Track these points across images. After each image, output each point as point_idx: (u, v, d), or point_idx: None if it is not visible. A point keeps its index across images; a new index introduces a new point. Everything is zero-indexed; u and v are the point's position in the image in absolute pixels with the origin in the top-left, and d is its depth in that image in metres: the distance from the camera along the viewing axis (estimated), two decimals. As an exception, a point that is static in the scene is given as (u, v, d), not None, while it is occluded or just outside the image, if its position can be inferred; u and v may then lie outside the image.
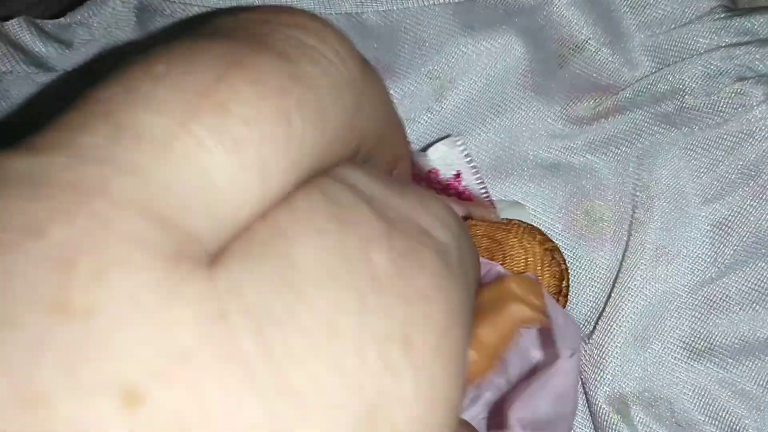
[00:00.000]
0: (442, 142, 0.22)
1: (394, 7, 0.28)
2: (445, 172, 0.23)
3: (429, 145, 0.25)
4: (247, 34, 0.12)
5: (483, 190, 0.23)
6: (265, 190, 0.11)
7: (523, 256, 0.26)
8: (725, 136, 0.26)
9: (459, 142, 0.23)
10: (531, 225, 0.27)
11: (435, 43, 0.30)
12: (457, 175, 0.23)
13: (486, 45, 0.29)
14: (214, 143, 0.10)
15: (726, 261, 0.25)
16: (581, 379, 0.27)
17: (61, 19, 0.28)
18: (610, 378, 0.26)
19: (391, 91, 0.30)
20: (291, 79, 0.12)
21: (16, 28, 0.27)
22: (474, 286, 0.14)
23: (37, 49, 0.27)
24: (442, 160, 0.22)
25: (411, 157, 0.22)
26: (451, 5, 0.29)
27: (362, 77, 0.13)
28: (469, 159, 0.22)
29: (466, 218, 0.27)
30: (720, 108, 0.26)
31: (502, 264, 0.26)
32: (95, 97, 0.11)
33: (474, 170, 0.22)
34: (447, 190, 0.25)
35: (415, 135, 0.30)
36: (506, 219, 0.27)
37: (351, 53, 0.13)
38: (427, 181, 0.25)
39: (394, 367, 0.10)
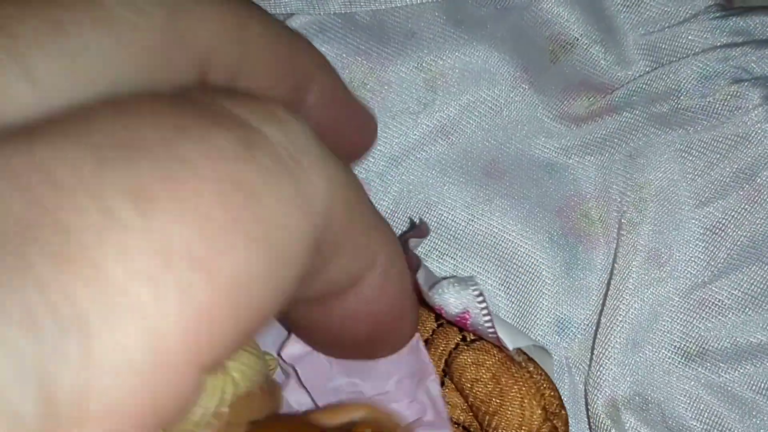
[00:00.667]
0: (453, 281, 0.20)
1: (383, 7, 0.28)
2: (452, 310, 0.20)
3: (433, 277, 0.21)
4: None
5: (492, 334, 0.20)
6: None
7: (518, 420, 0.21)
8: (720, 139, 0.26)
9: (472, 284, 0.20)
10: (546, 379, 0.22)
11: (425, 37, 0.29)
12: (465, 314, 0.21)
13: (476, 41, 0.29)
14: None
15: (719, 265, 0.25)
16: (585, 389, 0.27)
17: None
18: (606, 383, 0.26)
19: (383, 80, 0.29)
20: None
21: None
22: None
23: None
24: (451, 297, 0.20)
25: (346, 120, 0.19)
26: (442, 2, 0.29)
27: None
28: (481, 299, 0.20)
29: (474, 340, 0.23)
30: (715, 110, 0.26)
31: (493, 414, 0.21)
32: None
33: (485, 312, 0.20)
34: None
35: (409, 127, 0.29)
36: (524, 356, 0.22)
37: None
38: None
39: None
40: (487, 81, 0.29)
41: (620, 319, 0.26)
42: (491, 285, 0.28)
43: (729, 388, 0.25)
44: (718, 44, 0.27)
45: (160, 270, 0.10)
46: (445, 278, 0.20)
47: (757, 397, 0.25)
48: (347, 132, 0.18)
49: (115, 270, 0.09)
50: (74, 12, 0.11)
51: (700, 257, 0.26)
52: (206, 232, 0.10)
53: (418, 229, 0.23)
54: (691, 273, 0.26)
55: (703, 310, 0.25)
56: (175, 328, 0.10)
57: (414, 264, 0.20)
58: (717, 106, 0.26)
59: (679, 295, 0.26)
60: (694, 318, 0.25)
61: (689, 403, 0.25)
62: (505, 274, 0.28)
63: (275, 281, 0.11)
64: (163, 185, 0.10)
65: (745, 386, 0.25)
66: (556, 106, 0.29)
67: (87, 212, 0.09)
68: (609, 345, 0.26)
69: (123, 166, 0.10)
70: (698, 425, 0.25)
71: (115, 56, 0.12)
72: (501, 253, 0.29)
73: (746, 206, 0.25)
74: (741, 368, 0.25)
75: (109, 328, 0.09)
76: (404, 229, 0.29)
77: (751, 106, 0.25)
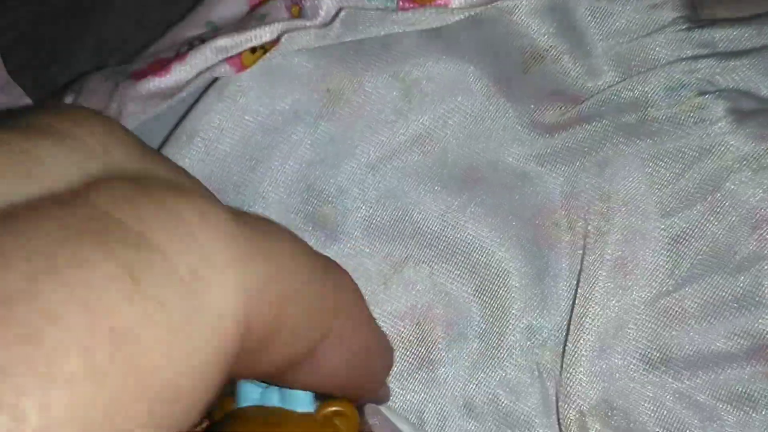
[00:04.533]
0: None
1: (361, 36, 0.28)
2: None
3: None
4: None
5: None
6: None
7: None
8: (685, 150, 0.26)
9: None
10: None
11: (400, 49, 0.30)
12: None
13: (450, 52, 0.29)
14: None
15: (683, 274, 0.26)
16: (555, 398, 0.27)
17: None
18: (575, 391, 0.27)
19: (359, 90, 0.30)
20: None
21: None
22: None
23: None
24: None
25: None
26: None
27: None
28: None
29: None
30: (681, 121, 0.26)
31: None
32: None
33: None
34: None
35: (387, 136, 0.30)
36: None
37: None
38: None
39: None
40: (461, 91, 0.30)
41: (587, 327, 0.26)
42: (465, 292, 0.29)
43: (691, 395, 0.25)
44: (684, 56, 0.27)
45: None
46: None
47: (717, 404, 0.25)
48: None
49: None
50: None
51: (664, 266, 0.26)
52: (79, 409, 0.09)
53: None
54: (656, 282, 0.26)
55: (668, 319, 0.26)
56: None
57: None
58: (682, 117, 0.26)
59: (644, 303, 0.26)
60: (658, 326, 0.26)
61: (653, 410, 0.26)
62: (479, 281, 0.29)
63: (164, 404, 0.10)
64: (16, 353, 0.09)
65: (706, 393, 0.25)
66: (529, 116, 0.29)
67: None
68: (577, 352, 0.27)
69: None
70: (658, 429, 0.25)
71: None
72: (475, 260, 0.29)
73: (709, 217, 0.26)
74: (702, 375, 0.25)
75: None
76: (381, 235, 0.30)
77: (715, 119, 0.26)
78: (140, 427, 0.10)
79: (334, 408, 0.18)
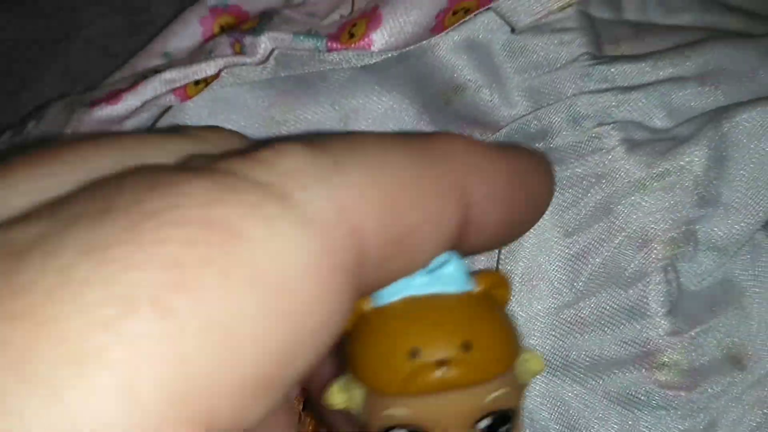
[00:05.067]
0: None
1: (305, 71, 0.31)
2: None
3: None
4: None
5: None
6: None
7: None
8: (584, 176, 0.29)
9: None
10: None
11: (336, 80, 0.32)
12: None
13: (382, 84, 0.32)
14: None
15: (581, 287, 0.28)
16: None
17: None
18: None
19: (300, 118, 0.33)
20: None
21: None
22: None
23: None
24: None
25: None
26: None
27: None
28: None
29: None
30: (581, 150, 0.29)
31: None
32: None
33: None
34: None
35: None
36: None
37: None
38: None
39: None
40: (393, 119, 0.33)
41: None
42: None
43: (586, 397, 0.28)
44: (586, 90, 0.30)
45: (122, 319, 0.09)
46: None
47: (610, 405, 0.28)
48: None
49: (72, 322, 0.09)
50: None
51: (565, 280, 0.29)
52: (174, 277, 0.09)
53: None
54: (558, 294, 0.29)
55: (568, 328, 0.29)
56: (149, 382, 0.09)
57: None
58: (582, 146, 0.29)
59: (548, 314, 0.29)
60: (560, 335, 0.29)
61: (553, 410, 0.28)
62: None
63: (280, 322, 0.10)
64: (123, 237, 0.10)
65: (600, 395, 0.28)
66: (453, 142, 0.32)
67: (42, 272, 0.09)
68: None
69: (86, 227, 0.10)
70: (557, 427, 0.28)
71: None
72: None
73: (603, 236, 0.28)
74: (597, 379, 0.28)
75: (75, 382, 0.09)
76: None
77: (610, 147, 0.29)
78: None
79: (490, 280, 0.17)
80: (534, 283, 0.29)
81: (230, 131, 0.15)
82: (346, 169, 0.12)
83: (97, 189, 0.11)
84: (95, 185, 0.11)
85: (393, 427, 0.16)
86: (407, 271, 0.14)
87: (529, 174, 0.17)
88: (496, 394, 0.17)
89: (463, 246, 0.15)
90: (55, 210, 0.10)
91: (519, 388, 0.17)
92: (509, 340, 0.17)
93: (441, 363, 0.16)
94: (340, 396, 0.17)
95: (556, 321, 0.29)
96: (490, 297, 0.17)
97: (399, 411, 0.16)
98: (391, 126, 0.33)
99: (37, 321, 0.09)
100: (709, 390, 0.27)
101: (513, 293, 0.29)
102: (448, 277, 0.16)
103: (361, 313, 0.16)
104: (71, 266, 0.09)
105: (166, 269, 0.10)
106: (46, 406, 0.08)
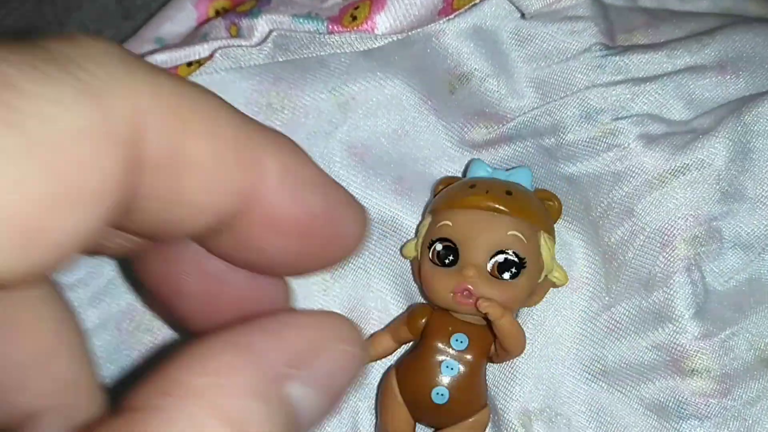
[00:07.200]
0: None
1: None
2: None
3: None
4: None
5: None
6: None
7: None
8: (602, 175, 0.27)
9: None
10: None
11: (336, 66, 0.31)
12: None
13: (383, 70, 0.31)
14: None
15: (614, 292, 0.27)
16: (490, 394, 0.29)
17: None
18: (519, 394, 0.28)
19: (297, 105, 0.31)
20: None
21: None
22: None
23: None
24: None
25: None
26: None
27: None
28: None
29: None
30: (596, 146, 0.28)
31: None
32: None
33: None
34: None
35: (321, 147, 0.31)
36: None
37: None
38: None
39: None
40: (394, 106, 0.31)
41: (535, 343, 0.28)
42: (393, 304, 0.30)
43: (624, 402, 0.27)
44: (600, 82, 0.28)
45: None
46: None
47: (644, 411, 0.27)
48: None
49: None
50: None
51: (603, 284, 0.27)
52: None
53: None
54: (594, 298, 0.28)
55: (605, 333, 0.27)
56: None
57: None
58: (597, 142, 0.28)
59: (585, 318, 0.28)
60: (597, 339, 0.27)
61: (590, 415, 0.27)
62: (407, 290, 0.30)
63: (42, 171, 0.10)
64: None
65: (635, 401, 0.27)
66: (457, 133, 0.30)
67: None
68: (519, 359, 0.28)
69: None
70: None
71: None
72: (408, 270, 0.30)
73: (626, 237, 0.27)
74: (633, 385, 0.27)
75: None
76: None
77: (626, 143, 0.27)
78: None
79: (548, 193, 0.27)
80: (574, 286, 0.28)
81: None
82: (158, 80, 0.12)
83: None
84: None
85: (436, 241, 0.27)
86: (182, 203, 0.13)
87: (343, 198, 0.16)
88: (515, 231, 0.26)
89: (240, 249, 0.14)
90: None
91: (539, 269, 0.26)
92: (539, 207, 0.27)
93: (486, 192, 0.27)
94: (412, 247, 0.28)
95: (595, 326, 0.28)
96: (544, 205, 0.27)
97: (447, 222, 0.27)
98: (391, 114, 0.31)
99: None
100: (743, 396, 0.26)
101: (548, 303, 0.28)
102: (522, 174, 0.27)
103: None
104: None
105: None
106: None
